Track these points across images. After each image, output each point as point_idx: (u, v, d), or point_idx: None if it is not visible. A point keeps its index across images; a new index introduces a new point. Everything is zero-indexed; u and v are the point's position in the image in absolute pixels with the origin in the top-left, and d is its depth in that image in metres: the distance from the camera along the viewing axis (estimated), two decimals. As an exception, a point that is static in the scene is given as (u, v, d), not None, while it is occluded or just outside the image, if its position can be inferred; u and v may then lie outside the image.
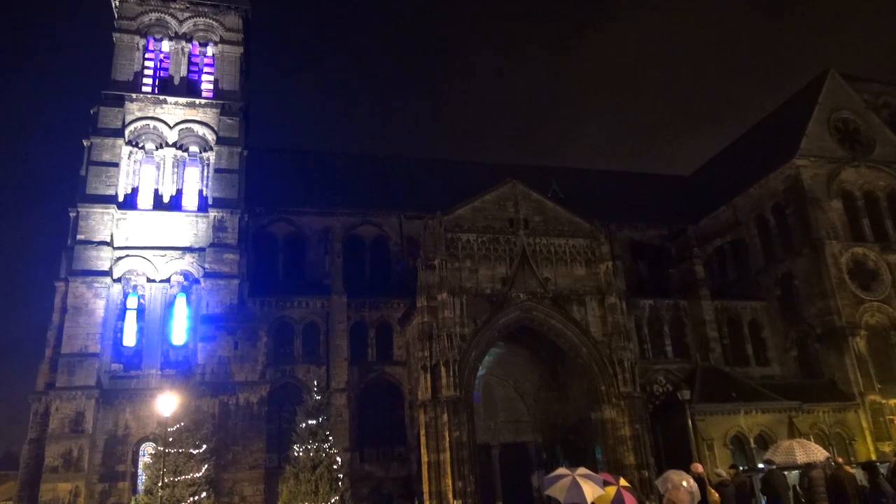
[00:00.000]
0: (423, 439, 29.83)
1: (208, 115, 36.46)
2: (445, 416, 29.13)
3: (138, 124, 35.28)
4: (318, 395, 28.97)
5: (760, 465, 30.87)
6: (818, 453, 19.64)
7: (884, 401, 36.80)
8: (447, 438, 28.82)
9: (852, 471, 17.26)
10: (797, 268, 40.86)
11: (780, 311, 41.80)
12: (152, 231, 33.58)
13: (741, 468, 25.10)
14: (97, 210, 32.78)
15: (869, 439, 35.90)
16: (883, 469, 20.89)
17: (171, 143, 35.57)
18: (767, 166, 43.69)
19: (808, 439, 28.44)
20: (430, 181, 45.21)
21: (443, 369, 29.71)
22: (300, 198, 41.79)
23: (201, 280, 32.97)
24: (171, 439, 25.56)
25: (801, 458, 19.51)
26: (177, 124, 35.84)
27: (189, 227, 34.13)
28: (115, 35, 36.85)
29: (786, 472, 20.11)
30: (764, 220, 43.75)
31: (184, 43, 38.10)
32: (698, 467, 15.65)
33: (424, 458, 29.44)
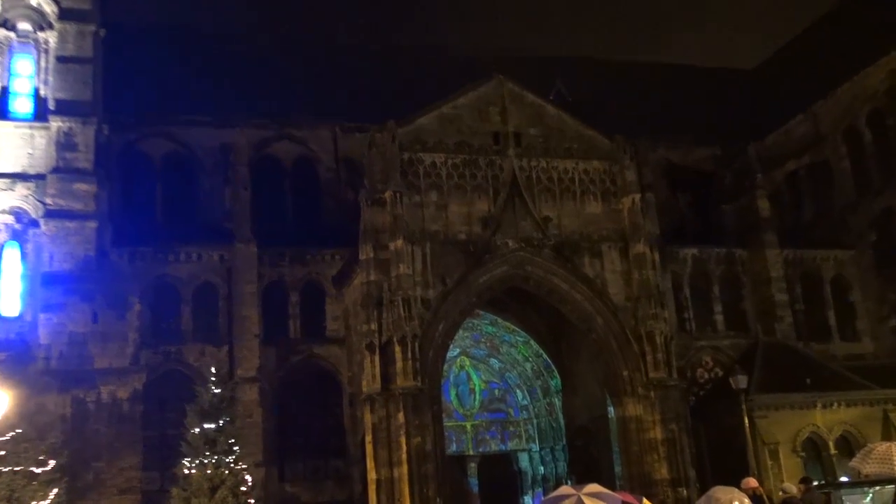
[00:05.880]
0: (369, 448, 30.19)
1: (45, -24, 35.37)
2: (402, 416, 29.41)
3: (-62, -11, 34.18)
4: (217, 388, 29.01)
5: (843, 479, 31.70)
6: None
7: None
8: (404, 447, 29.13)
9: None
10: (901, 203, 41.44)
11: (875, 265, 42.55)
12: (-35, 150, 32.94)
13: (815, 482, 25.67)
14: None
15: None
16: None
17: (-11, 18, 34.64)
18: (862, 58, 43.80)
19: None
20: (379, 78, 44.85)
21: (397, 349, 29.86)
22: (187, 101, 41.17)
23: (41, 222, 32.52)
24: (2, 453, 25.39)
25: None
26: (-3, -11, 34.84)
27: (21, 144, 33.58)
28: None
29: (869, 489, 20.46)
30: (856, 134, 44.16)
31: None
32: (752, 482, 15.89)
33: (372, 475, 29.83)
